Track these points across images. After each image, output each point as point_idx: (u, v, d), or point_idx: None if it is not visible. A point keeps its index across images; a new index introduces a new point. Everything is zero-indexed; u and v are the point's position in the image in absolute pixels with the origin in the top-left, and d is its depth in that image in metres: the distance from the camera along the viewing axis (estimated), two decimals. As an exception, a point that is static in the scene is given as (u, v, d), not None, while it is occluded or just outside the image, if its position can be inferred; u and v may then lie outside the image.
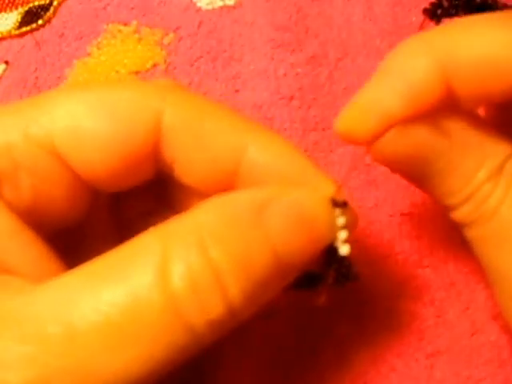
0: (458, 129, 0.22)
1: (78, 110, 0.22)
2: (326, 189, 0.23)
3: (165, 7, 0.38)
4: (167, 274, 0.18)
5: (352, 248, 0.23)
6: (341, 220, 0.23)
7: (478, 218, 0.22)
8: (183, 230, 0.20)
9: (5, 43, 0.37)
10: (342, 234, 0.23)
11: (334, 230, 0.22)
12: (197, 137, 0.23)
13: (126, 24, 0.38)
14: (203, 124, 0.23)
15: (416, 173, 0.23)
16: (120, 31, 0.38)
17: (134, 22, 0.38)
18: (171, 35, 0.37)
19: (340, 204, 0.23)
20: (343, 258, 0.23)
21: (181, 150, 0.23)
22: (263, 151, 0.23)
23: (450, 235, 0.31)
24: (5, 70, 0.37)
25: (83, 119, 0.22)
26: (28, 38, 0.37)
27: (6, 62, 0.37)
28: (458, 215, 0.23)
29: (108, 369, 0.18)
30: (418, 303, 0.30)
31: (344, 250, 0.23)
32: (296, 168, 0.23)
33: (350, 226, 0.23)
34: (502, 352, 0.29)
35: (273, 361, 0.30)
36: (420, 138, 0.22)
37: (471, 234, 0.24)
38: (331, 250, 0.23)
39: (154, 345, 0.18)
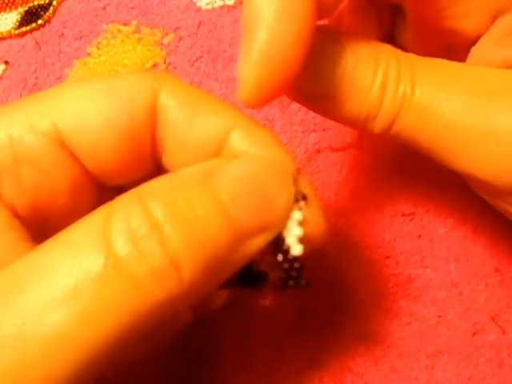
0: (349, 39, 0.23)
1: (81, 95, 0.23)
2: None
3: (165, 7, 0.38)
4: (108, 229, 0.19)
5: (306, 252, 0.21)
6: (297, 215, 0.21)
7: (397, 117, 0.23)
8: (125, 195, 0.20)
9: (5, 43, 0.37)
10: (297, 231, 0.21)
11: (289, 206, 0.21)
12: (186, 118, 0.23)
13: (125, 24, 0.38)
14: (194, 106, 0.23)
15: (324, 95, 0.23)
16: (120, 31, 0.37)
17: (134, 22, 0.38)
18: (171, 35, 0.37)
19: (299, 197, 0.21)
20: (295, 259, 0.21)
21: (171, 130, 0.23)
22: (244, 139, 0.23)
23: (452, 235, 0.32)
24: (5, 70, 0.36)
25: (86, 103, 0.23)
26: (28, 37, 0.37)
27: (6, 62, 0.37)
28: (379, 124, 0.24)
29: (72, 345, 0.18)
30: (418, 303, 0.31)
31: (296, 250, 0.21)
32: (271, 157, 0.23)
33: (309, 229, 0.21)
34: (502, 352, 0.30)
35: (272, 361, 0.30)
36: (318, 46, 0.22)
37: (401, 133, 0.24)
38: (282, 248, 0.21)
39: (102, 304, 0.18)
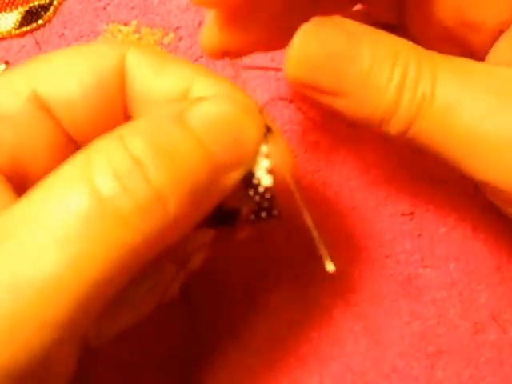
0: (365, 33, 0.22)
1: (55, 58, 0.24)
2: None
3: (165, 7, 0.38)
4: (90, 169, 0.19)
5: (276, 185, 0.22)
6: (264, 148, 0.22)
7: (415, 120, 0.22)
8: (105, 135, 0.20)
9: (5, 43, 0.37)
10: (265, 163, 0.22)
11: (260, 140, 0.22)
12: (151, 73, 0.24)
13: (125, 24, 0.38)
14: (158, 63, 0.24)
15: (334, 89, 0.22)
16: (120, 31, 0.37)
17: (134, 22, 0.38)
18: (171, 35, 0.37)
19: (265, 131, 0.22)
20: (266, 190, 0.22)
21: (138, 86, 0.24)
22: (206, 88, 0.24)
23: (452, 235, 0.32)
24: (5, 70, 0.37)
25: (59, 64, 0.24)
26: (28, 37, 0.37)
27: (6, 62, 0.37)
28: (395, 127, 0.22)
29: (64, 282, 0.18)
30: (419, 303, 0.31)
31: (267, 180, 0.22)
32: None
33: (277, 159, 0.22)
34: (503, 351, 0.30)
35: (272, 361, 0.30)
36: (331, 39, 0.22)
37: (418, 137, 0.22)
38: (252, 182, 0.22)
39: (91, 243, 0.18)
